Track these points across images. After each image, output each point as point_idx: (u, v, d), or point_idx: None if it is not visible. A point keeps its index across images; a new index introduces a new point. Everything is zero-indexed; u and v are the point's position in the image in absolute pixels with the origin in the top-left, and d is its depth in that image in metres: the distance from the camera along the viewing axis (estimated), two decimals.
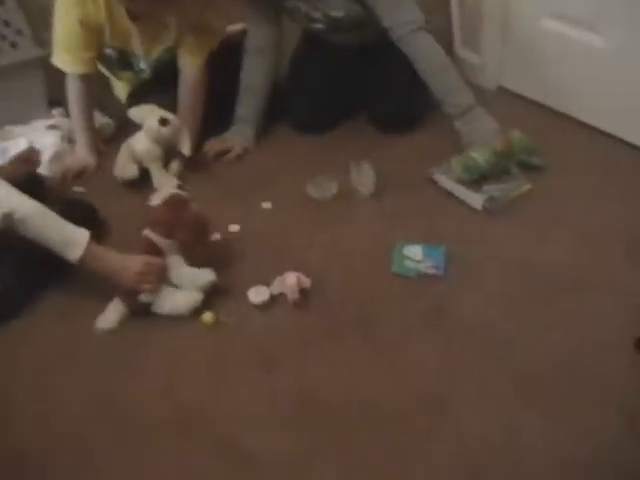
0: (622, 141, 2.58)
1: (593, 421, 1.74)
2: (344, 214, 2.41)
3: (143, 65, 2.76)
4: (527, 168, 2.51)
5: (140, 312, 2.08)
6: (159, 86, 2.77)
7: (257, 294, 2.11)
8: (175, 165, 2.66)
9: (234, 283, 2.17)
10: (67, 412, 1.87)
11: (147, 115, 2.56)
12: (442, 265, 2.17)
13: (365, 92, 2.81)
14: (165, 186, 2.47)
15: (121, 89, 2.92)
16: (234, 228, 2.39)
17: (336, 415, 1.80)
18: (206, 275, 2.10)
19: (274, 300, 2.11)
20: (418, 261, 2.19)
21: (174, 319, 2.08)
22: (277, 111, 2.88)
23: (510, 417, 1.76)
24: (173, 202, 2.10)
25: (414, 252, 2.23)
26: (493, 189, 2.42)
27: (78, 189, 2.63)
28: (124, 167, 2.62)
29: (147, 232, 2.09)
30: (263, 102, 2.80)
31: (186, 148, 2.59)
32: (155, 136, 2.56)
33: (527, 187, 2.45)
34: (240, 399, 1.87)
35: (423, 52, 2.58)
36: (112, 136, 2.87)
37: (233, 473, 1.70)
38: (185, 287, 2.09)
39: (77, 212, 2.28)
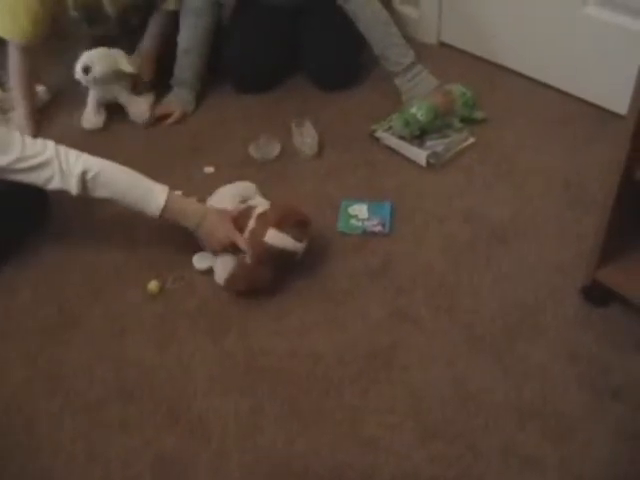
0: (561, 92, 2.59)
1: (544, 370, 1.76)
2: (288, 174, 2.39)
3: (111, 13, 2.73)
4: (470, 122, 2.50)
5: None
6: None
7: (202, 260, 2.09)
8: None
9: (178, 250, 2.14)
10: (9, 386, 1.84)
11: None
12: (388, 222, 2.17)
13: (303, 50, 2.78)
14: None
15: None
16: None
17: (286, 374, 1.80)
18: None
19: None
20: (364, 219, 2.19)
21: (117, 287, 2.06)
22: (217, 72, 2.82)
23: (461, 369, 1.78)
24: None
25: (359, 210, 2.22)
26: (436, 144, 2.40)
27: None
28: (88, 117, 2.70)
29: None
30: (201, 64, 2.73)
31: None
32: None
33: (470, 141, 2.45)
34: (188, 364, 1.85)
35: (363, 9, 2.57)
36: (47, 105, 2.79)
37: (183, 439, 1.69)
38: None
39: (23, 193, 2.22)
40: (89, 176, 1.90)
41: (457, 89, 2.52)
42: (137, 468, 1.64)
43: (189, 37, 2.69)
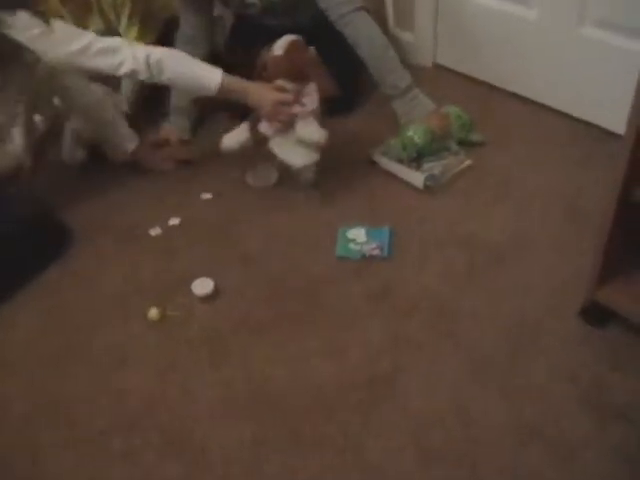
0: (557, 112, 2.60)
1: (545, 391, 1.75)
2: (285, 201, 2.39)
3: None
4: (467, 144, 2.51)
5: (259, 142, 2.31)
6: None
7: (201, 287, 2.09)
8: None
9: (178, 277, 2.14)
10: (13, 418, 1.84)
11: None
12: (386, 246, 2.17)
13: None
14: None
15: None
16: (174, 221, 2.35)
17: (287, 402, 1.80)
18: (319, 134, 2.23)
19: (218, 291, 2.09)
20: (362, 243, 2.19)
21: (117, 316, 2.06)
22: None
23: (463, 394, 1.77)
24: (295, 48, 2.19)
25: (357, 234, 2.22)
26: (434, 167, 2.41)
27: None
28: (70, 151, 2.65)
29: (279, 82, 2.22)
30: None
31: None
32: None
33: (467, 163, 2.45)
34: (190, 393, 1.85)
35: (362, 33, 2.55)
36: (42, 137, 2.76)
37: (186, 468, 1.68)
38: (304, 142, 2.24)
39: (43, 225, 2.26)
40: (152, 59, 2.19)
41: (453, 111, 2.53)
42: None
43: None
